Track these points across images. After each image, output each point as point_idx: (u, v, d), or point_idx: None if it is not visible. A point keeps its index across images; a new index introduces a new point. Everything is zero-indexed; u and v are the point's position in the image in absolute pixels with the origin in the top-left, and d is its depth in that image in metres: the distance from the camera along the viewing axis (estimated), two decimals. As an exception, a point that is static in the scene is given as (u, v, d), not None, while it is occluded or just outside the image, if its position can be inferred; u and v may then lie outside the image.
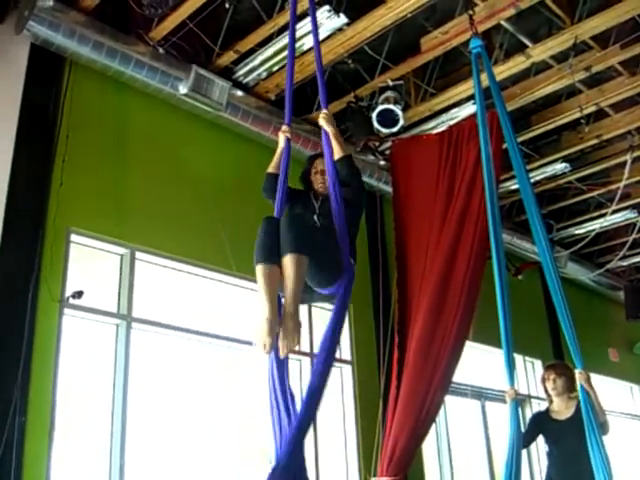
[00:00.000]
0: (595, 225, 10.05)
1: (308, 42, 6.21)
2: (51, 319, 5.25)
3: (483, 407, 9.24)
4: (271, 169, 4.19)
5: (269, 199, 4.17)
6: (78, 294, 5.41)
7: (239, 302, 6.82)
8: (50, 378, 5.11)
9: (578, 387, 5.08)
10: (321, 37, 6.09)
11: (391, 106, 6.94)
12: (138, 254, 6.05)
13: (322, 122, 4.15)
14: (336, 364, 7.37)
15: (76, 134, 5.78)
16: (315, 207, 4.07)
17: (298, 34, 5.10)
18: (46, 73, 5.86)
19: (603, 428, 5.01)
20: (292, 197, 4.13)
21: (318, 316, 7.21)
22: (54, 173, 5.58)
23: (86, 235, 5.73)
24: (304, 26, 5.76)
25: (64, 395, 5.23)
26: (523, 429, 5.61)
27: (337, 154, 4.07)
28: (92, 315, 5.63)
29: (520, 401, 9.14)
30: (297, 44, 5.71)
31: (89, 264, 5.83)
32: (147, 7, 5.67)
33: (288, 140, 4.13)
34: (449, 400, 8.20)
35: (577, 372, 5.05)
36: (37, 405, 4.97)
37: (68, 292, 5.41)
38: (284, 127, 4.18)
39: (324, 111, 4.18)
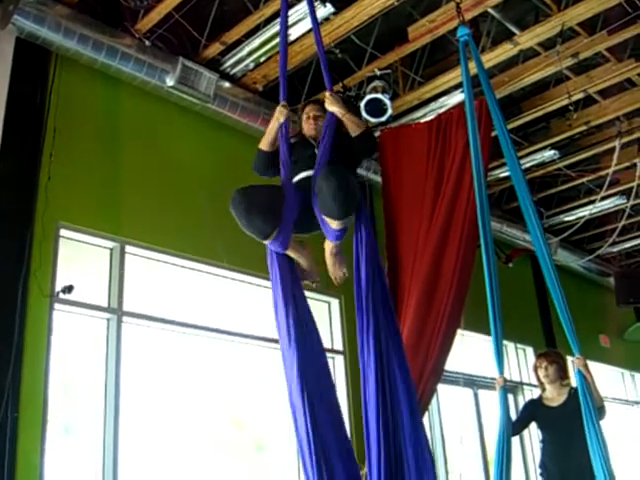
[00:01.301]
0: (585, 212, 10.08)
1: (295, 33, 6.20)
2: (41, 314, 5.23)
3: (476, 395, 9.27)
4: (264, 146, 4.12)
5: (261, 176, 4.18)
6: (68, 289, 5.39)
7: (230, 295, 6.81)
8: (42, 373, 5.10)
9: (575, 373, 5.09)
10: (308, 27, 6.10)
11: (379, 95, 6.91)
12: (128, 248, 6.03)
13: (327, 105, 4.04)
14: (328, 355, 7.38)
15: (63, 128, 5.76)
16: (314, 147, 3.99)
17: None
18: (32, 67, 5.82)
19: (600, 413, 5.03)
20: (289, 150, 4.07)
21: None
22: (42, 167, 5.55)
23: (75, 229, 5.71)
24: (291, 15, 5.72)
25: (56, 390, 5.22)
26: (514, 417, 5.64)
27: (354, 131, 4.01)
28: (83, 310, 5.61)
29: (510, 389, 9.19)
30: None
31: (79, 258, 5.81)
32: (132, -1, 5.65)
33: (288, 117, 4.04)
34: (441, 388, 8.21)
35: (575, 358, 5.06)
36: (29, 400, 4.95)
37: (58, 287, 5.40)
38: (283, 103, 4.06)
39: (327, 93, 4.09)
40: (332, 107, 4.02)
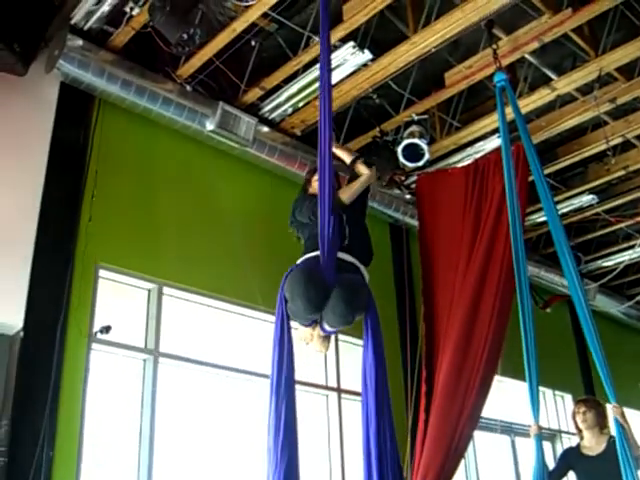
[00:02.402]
0: (624, 257, 9.97)
1: (332, 79, 6.28)
2: (79, 354, 5.28)
3: (513, 442, 9.12)
4: None
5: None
6: (106, 329, 5.44)
7: (266, 337, 6.80)
8: (78, 412, 5.13)
9: (612, 421, 5.01)
10: (346, 73, 6.25)
11: (416, 140, 6.96)
12: (166, 289, 6.09)
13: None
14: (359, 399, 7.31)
15: (105, 170, 5.87)
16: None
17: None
18: (75, 111, 5.96)
19: (638, 462, 4.94)
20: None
21: (345, 350, 7.20)
22: (83, 209, 5.66)
23: (114, 270, 5.78)
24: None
25: (92, 430, 5.24)
26: (551, 465, 5.55)
27: (347, 158, 4.41)
28: (120, 350, 5.65)
29: (548, 436, 9.03)
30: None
31: (117, 299, 5.87)
32: (175, 46, 5.75)
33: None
34: (478, 435, 8.10)
35: (612, 406, 4.98)
36: (65, 439, 4.98)
37: (96, 327, 5.44)
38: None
39: None
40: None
